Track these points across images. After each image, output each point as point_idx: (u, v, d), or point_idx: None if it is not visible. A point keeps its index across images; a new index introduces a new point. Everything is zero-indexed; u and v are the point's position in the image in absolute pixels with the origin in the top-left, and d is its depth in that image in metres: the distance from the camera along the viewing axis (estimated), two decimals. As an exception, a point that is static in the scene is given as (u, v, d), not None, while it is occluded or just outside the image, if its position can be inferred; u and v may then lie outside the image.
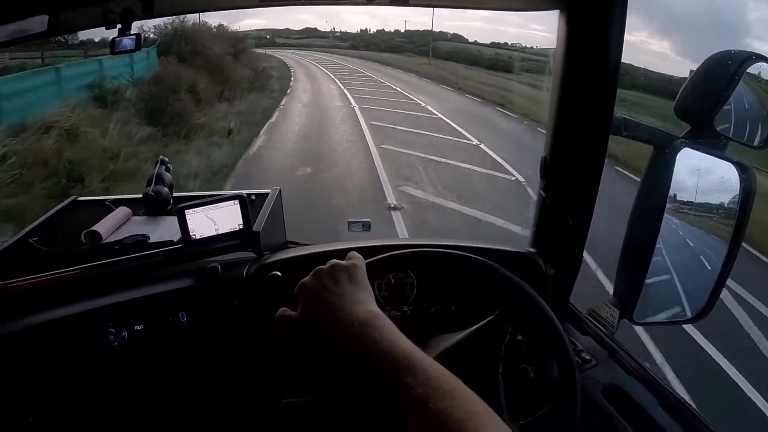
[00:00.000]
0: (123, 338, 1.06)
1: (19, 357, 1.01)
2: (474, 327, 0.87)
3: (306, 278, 0.58)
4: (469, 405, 0.41)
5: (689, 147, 0.92)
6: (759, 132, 0.96)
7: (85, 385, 1.07)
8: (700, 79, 0.91)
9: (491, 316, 0.88)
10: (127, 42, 1.18)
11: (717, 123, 0.90)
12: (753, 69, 0.90)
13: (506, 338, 0.87)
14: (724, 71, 0.88)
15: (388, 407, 0.43)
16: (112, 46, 1.19)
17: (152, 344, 1.09)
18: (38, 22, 1.14)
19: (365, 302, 0.54)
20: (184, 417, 1.13)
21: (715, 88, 0.88)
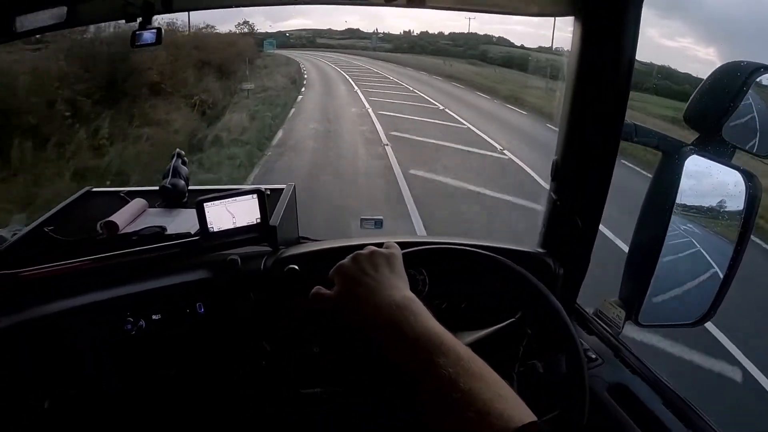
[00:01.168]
0: (140, 327, 1.09)
1: (36, 344, 1.03)
2: (495, 327, 0.90)
3: (344, 261, 0.60)
4: (497, 387, 0.44)
5: (697, 154, 0.94)
6: (765, 141, 0.98)
7: (103, 372, 1.09)
8: (709, 89, 0.93)
9: (514, 318, 0.90)
10: (148, 36, 1.20)
11: (725, 131, 0.91)
12: (763, 79, 0.92)
13: (524, 340, 0.90)
14: (733, 81, 0.90)
15: (415, 388, 0.45)
16: (133, 40, 1.21)
17: (170, 334, 1.11)
18: (57, 14, 1.16)
19: (402, 288, 0.56)
20: (200, 406, 1.15)
21: (723, 97, 0.90)
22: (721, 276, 0.99)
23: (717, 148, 0.94)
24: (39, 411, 1.05)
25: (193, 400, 1.15)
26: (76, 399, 1.08)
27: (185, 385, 1.14)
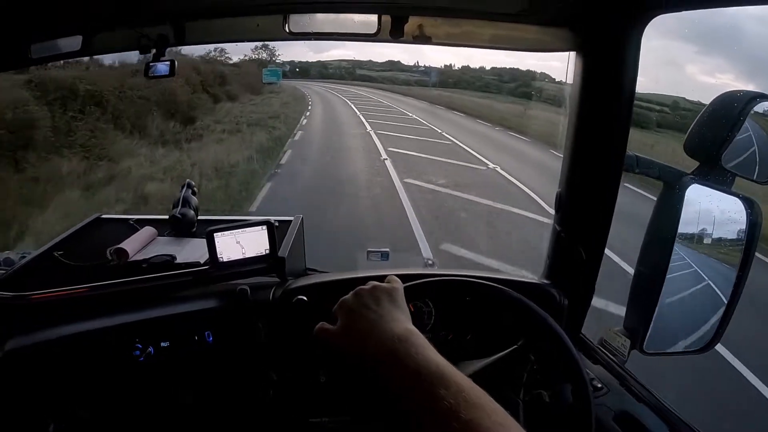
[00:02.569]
0: (149, 354, 1.09)
1: (44, 367, 1.04)
2: (498, 355, 0.91)
3: (347, 296, 0.63)
4: (497, 416, 0.45)
5: (698, 183, 0.96)
6: (764, 168, 0.99)
7: (109, 398, 1.09)
8: (707, 119, 0.95)
9: (515, 346, 0.91)
10: (162, 67, 1.23)
11: (724, 160, 0.93)
12: (759, 108, 0.94)
13: (528, 366, 0.90)
14: (730, 111, 0.92)
15: (417, 420, 0.46)
16: (146, 71, 1.24)
17: (178, 361, 1.11)
18: (72, 43, 1.20)
19: (403, 321, 0.58)
20: None
21: (721, 127, 0.92)
22: (725, 303, 0.99)
23: (717, 177, 0.95)
24: None
25: (200, 428, 1.15)
26: (81, 423, 1.08)
27: (192, 413, 1.14)
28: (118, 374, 1.09)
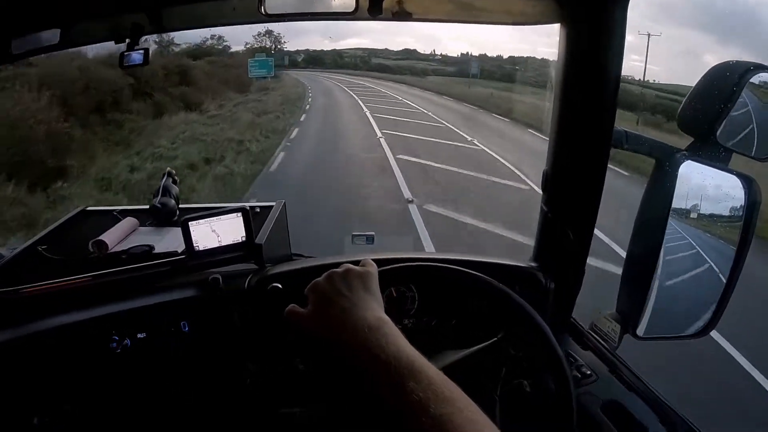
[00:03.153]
0: (125, 346, 1.08)
1: (25, 361, 1.04)
2: (477, 347, 0.87)
3: (319, 279, 0.60)
4: (469, 412, 0.43)
5: (691, 160, 0.91)
6: (762, 143, 0.95)
7: (89, 390, 1.09)
8: (701, 92, 0.90)
9: (495, 338, 0.88)
10: (136, 56, 1.22)
11: (719, 135, 0.88)
12: (756, 79, 0.89)
13: (508, 361, 0.87)
14: (725, 83, 0.87)
15: (385, 412, 0.45)
16: (121, 60, 1.23)
17: (154, 352, 1.10)
18: (51, 36, 1.19)
19: (375, 309, 0.56)
20: (183, 425, 1.14)
21: (716, 100, 0.87)
22: (722, 286, 0.95)
23: (712, 153, 0.91)
24: (27, 428, 1.04)
25: (177, 418, 1.13)
26: (63, 416, 1.08)
27: (170, 404, 1.13)
28: (96, 367, 1.09)
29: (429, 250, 4.89)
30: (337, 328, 0.53)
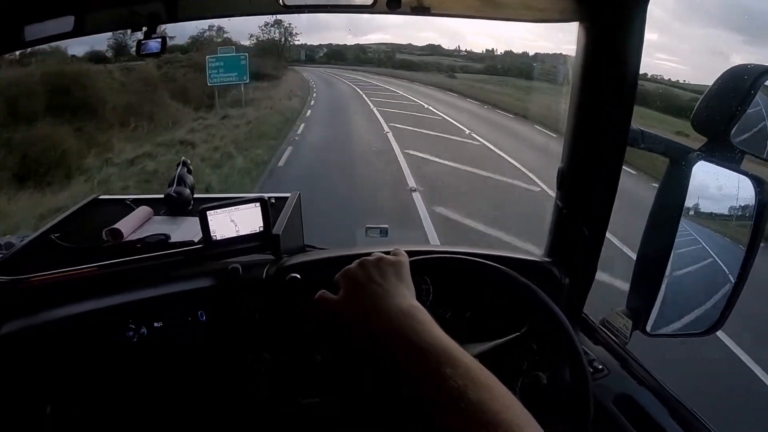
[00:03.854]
0: (142, 335, 1.09)
1: (40, 349, 1.04)
2: (499, 341, 0.89)
3: (351, 266, 0.60)
4: (504, 399, 0.43)
5: (704, 160, 0.92)
6: (776, 146, 0.96)
7: (104, 379, 1.10)
8: (716, 94, 0.91)
9: (519, 333, 0.89)
10: (153, 45, 1.21)
11: (733, 137, 0.89)
12: (770, 83, 0.90)
13: (529, 355, 0.88)
14: (739, 85, 0.88)
15: (418, 399, 0.44)
16: (138, 49, 1.22)
17: (171, 341, 1.11)
18: (64, 23, 1.18)
19: (408, 297, 0.56)
20: (200, 414, 1.15)
21: (730, 102, 0.88)
22: (732, 284, 0.97)
23: (725, 154, 0.92)
24: (41, 416, 1.05)
25: (193, 408, 1.14)
26: (77, 404, 1.09)
27: (185, 393, 1.14)
28: (112, 356, 1.09)
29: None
30: (370, 315, 0.52)
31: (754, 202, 0.93)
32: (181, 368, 1.14)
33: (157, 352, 1.11)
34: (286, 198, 1.44)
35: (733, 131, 0.89)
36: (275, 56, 21.11)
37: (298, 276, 1.12)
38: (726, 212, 1.00)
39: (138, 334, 1.08)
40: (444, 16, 1.13)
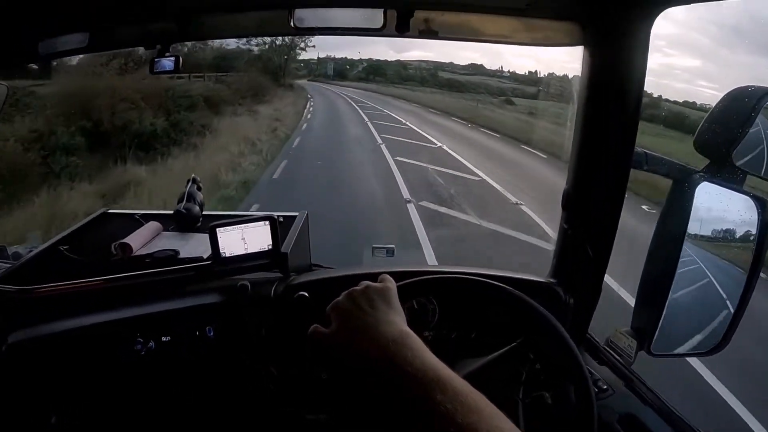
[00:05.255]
0: (150, 348, 1.10)
1: (46, 360, 1.05)
2: (497, 353, 0.89)
3: (339, 298, 0.61)
4: (495, 420, 0.44)
5: (708, 181, 0.93)
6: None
7: (110, 391, 1.10)
8: (718, 115, 0.92)
9: (514, 343, 0.90)
10: (166, 63, 1.24)
11: (735, 158, 0.91)
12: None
13: (527, 365, 0.89)
14: (741, 107, 0.89)
15: (412, 424, 0.45)
16: (152, 67, 1.25)
17: (178, 356, 1.12)
18: (80, 38, 1.21)
19: (398, 323, 0.57)
20: (206, 429, 1.15)
21: (733, 123, 0.89)
22: (733, 306, 0.97)
23: (728, 175, 0.93)
24: (45, 426, 1.06)
25: (200, 422, 1.15)
26: (82, 416, 1.09)
27: (192, 407, 1.15)
28: (119, 368, 1.10)
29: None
30: (362, 345, 0.54)
31: (756, 223, 0.94)
32: (188, 382, 1.14)
33: (165, 366, 1.12)
34: (294, 217, 1.46)
35: (735, 152, 0.90)
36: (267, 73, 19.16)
37: (306, 294, 1.13)
38: (729, 232, 1.01)
39: (146, 347, 1.09)
40: (451, 40, 1.16)
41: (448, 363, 0.51)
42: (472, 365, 0.88)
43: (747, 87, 0.92)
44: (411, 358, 0.50)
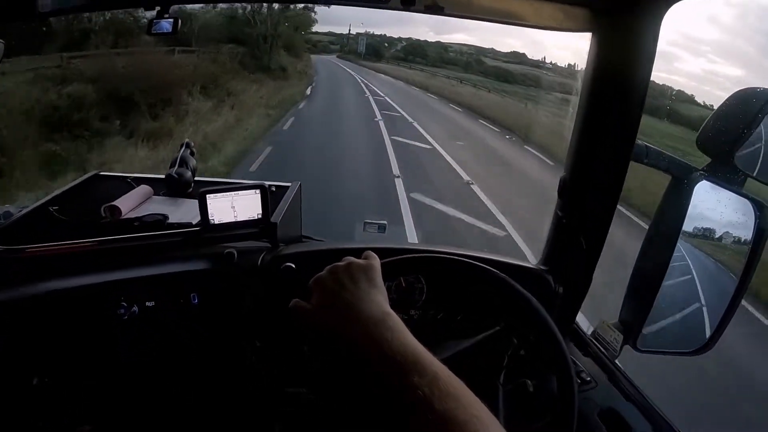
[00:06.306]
0: (133, 313, 1.09)
1: (30, 320, 1.04)
2: (480, 336, 0.89)
3: (322, 273, 0.60)
4: (473, 409, 0.43)
5: (707, 180, 0.92)
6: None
7: (92, 354, 1.10)
8: (723, 115, 0.91)
9: (497, 327, 0.89)
10: (165, 24, 1.21)
11: (737, 159, 0.90)
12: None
13: (510, 350, 0.88)
14: (747, 108, 0.88)
15: (390, 406, 0.44)
16: (149, 28, 1.22)
17: (162, 322, 1.11)
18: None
19: (380, 303, 0.56)
20: (186, 397, 1.15)
21: (737, 124, 0.88)
22: (724, 307, 0.96)
23: (728, 175, 0.92)
24: (26, 387, 1.05)
25: (180, 390, 1.14)
26: (63, 378, 1.09)
27: (171, 374, 1.14)
28: (102, 332, 1.09)
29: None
30: (342, 322, 0.53)
31: (753, 226, 0.93)
32: (169, 350, 1.13)
33: (147, 331, 1.11)
34: (287, 187, 1.44)
35: (737, 153, 0.89)
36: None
37: (293, 266, 1.12)
38: (724, 233, 1.00)
39: (129, 312, 1.08)
40: (457, 17, 1.13)
41: (433, 344, 0.50)
42: (454, 348, 0.87)
43: (755, 88, 0.90)
44: (390, 338, 0.49)
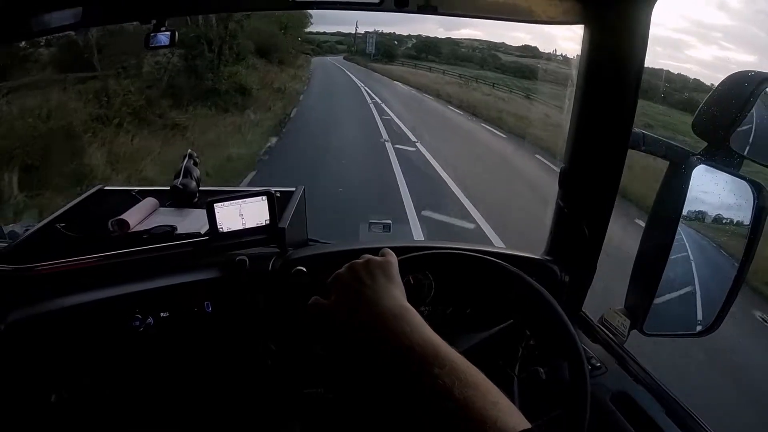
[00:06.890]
0: (148, 324, 1.10)
1: (45, 338, 1.05)
2: (494, 329, 0.90)
3: (341, 270, 0.61)
4: (491, 396, 0.45)
5: (704, 164, 0.94)
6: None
7: (109, 368, 1.11)
8: (717, 99, 0.92)
9: (511, 320, 0.91)
10: (162, 38, 1.22)
11: (733, 141, 0.91)
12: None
13: (524, 342, 0.90)
14: (741, 91, 0.89)
15: (410, 398, 0.46)
16: (147, 42, 1.23)
17: (177, 332, 1.13)
18: (73, 14, 1.19)
19: (398, 297, 0.57)
20: (205, 404, 1.16)
21: (731, 107, 0.89)
22: (728, 287, 0.98)
23: (725, 158, 0.93)
24: (44, 404, 1.07)
25: (199, 396, 1.16)
26: (82, 394, 1.10)
27: (190, 383, 1.16)
28: (118, 345, 1.11)
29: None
30: (362, 318, 0.54)
31: (751, 207, 0.95)
32: (186, 358, 1.15)
33: (164, 341, 1.12)
34: (292, 192, 1.45)
35: (732, 136, 0.91)
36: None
37: (304, 269, 1.13)
38: (724, 216, 1.02)
39: (144, 323, 1.10)
40: (450, 15, 1.14)
41: (445, 338, 0.51)
42: (468, 341, 0.89)
43: (747, 71, 0.92)
44: (410, 332, 0.51)
